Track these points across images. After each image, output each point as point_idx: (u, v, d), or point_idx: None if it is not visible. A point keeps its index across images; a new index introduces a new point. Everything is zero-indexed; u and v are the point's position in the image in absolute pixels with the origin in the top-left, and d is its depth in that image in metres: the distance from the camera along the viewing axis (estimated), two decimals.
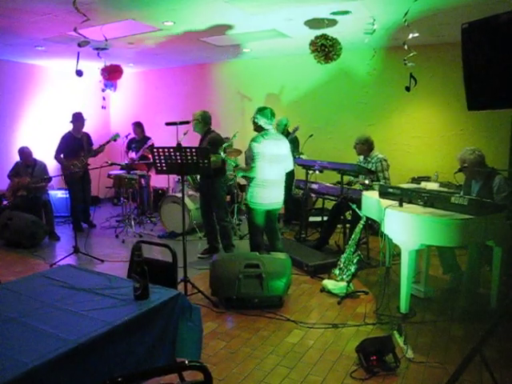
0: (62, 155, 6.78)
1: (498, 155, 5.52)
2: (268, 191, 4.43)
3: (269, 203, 4.48)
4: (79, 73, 5.97)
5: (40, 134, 8.25)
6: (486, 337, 2.46)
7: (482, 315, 3.75)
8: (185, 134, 5.46)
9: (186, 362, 1.39)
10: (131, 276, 2.22)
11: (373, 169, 5.37)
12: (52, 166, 7.41)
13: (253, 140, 4.39)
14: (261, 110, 4.45)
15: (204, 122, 5.34)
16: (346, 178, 5.68)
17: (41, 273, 2.54)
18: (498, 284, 3.79)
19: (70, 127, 6.92)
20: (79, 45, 5.01)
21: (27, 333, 1.76)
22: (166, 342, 2.07)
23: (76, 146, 6.82)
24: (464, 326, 3.59)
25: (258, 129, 4.46)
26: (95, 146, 7.02)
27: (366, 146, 5.51)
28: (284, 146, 4.54)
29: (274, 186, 4.47)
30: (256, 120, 4.44)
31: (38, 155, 6.79)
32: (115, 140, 7.04)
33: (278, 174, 4.49)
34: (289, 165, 4.61)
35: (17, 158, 6.62)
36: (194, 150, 3.97)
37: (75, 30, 4.54)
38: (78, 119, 6.86)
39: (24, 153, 6.48)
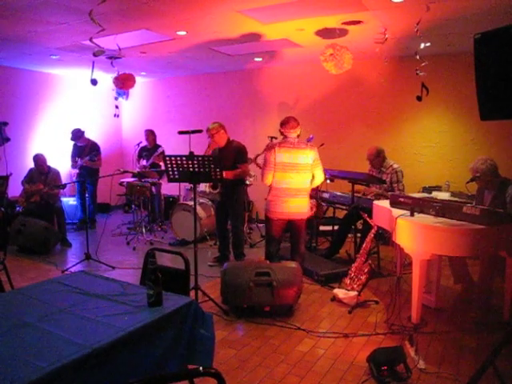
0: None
1: (510, 165, 5.48)
2: (282, 200, 4.37)
3: (282, 212, 4.40)
4: (94, 82, 6.06)
5: (54, 142, 8.35)
6: (500, 348, 2.45)
7: (495, 327, 3.71)
8: (213, 150, 5.39)
9: (201, 368, 1.40)
10: (145, 283, 2.24)
11: (387, 179, 5.36)
12: (65, 174, 7.52)
13: (265, 148, 4.43)
14: (282, 121, 4.48)
15: (226, 132, 5.31)
16: (361, 188, 5.70)
17: (55, 279, 2.57)
18: (511, 296, 3.75)
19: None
20: (94, 54, 5.07)
21: (43, 337, 1.78)
22: (178, 349, 2.08)
23: (77, 152, 7.58)
24: (476, 338, 3.55)
25: (284, 138, 4.46)
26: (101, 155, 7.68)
27: (380, 158, 5.52)
28: (303, 155, 4.36)
29: (290, 195, 4.35)
30: (280, 130, 4.48)
31: (52, 162, 6.91)
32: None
33: (294, 183, 4.35)
34: (315, 176, 4.45)
35: (31, 165, 6.73)
36: (206, 158, 4.00)
37: (91, 40, 4.61)
38: (74, 136, 7.53)
39: (39, 159, 6.59)
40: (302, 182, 4.40)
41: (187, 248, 6.23)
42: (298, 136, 4.47)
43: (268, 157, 4.34)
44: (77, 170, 7.49)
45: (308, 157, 4.38)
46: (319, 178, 4.52)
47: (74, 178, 7.52)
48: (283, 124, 4.44)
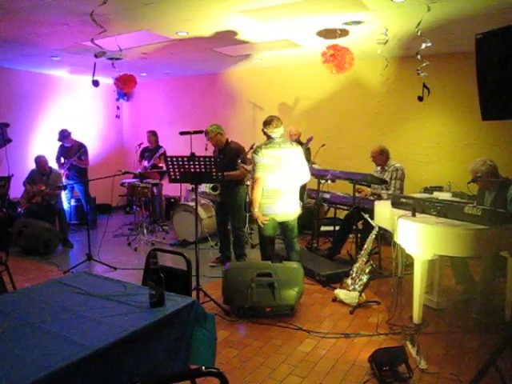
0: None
1: (511, 165, 5.48)
2: (273, 201, 4.29)
3: (275, 213, 4.32)
4: (95, 83, 6.05)
5: (55, 143, 8.32)
6: (501, 349, 2.44)
7: (496, 327, 3.71)
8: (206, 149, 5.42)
9: (203, 368, 1.40)
10: (146, 283, 2.25)
11: (388, 178, 5.37)
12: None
13: (253, 151, 4.37)
14: (265, 120, 4.39)
15: (224, 133, 5.32)
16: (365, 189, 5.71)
17: (57, 279, 2.57)
18: None
19: (83, 136, 7.75)
20: (96, 55, 5.08)
21: (46, 338, 1.78)
22: (180, 349, 2.08)
23: (62, 153, 7.53)
24: (478, 338, 3.56)
25: (268, 138, 4.42)
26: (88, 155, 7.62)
27: (384, 156, 5.54)
28: (290, 154, 4.30)
29: (281, 195, 4.28)
30: (264, 130, 4.40)
31: (53, 163, 6.92)
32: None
33: (284, 184, 4.28)
34: (302, 174, 4.39)
35: (33, 166, 6.75)
36: (207, 159, 4.00)
37: (92, 40, 4.62)
38: (61, 136, 7.42)
39: (40, 161, 6.62)
40: (291, 181, 4.34)
41: (188, 249, 6.23)
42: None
43: (257, 159, 4.26)
44: (66, 171, 7.44)
45: (294, 156, 4.33)
46: (306, 176, 4.45)
47: (63, 179, 7.44)
48: (267, 123, 4.33)
